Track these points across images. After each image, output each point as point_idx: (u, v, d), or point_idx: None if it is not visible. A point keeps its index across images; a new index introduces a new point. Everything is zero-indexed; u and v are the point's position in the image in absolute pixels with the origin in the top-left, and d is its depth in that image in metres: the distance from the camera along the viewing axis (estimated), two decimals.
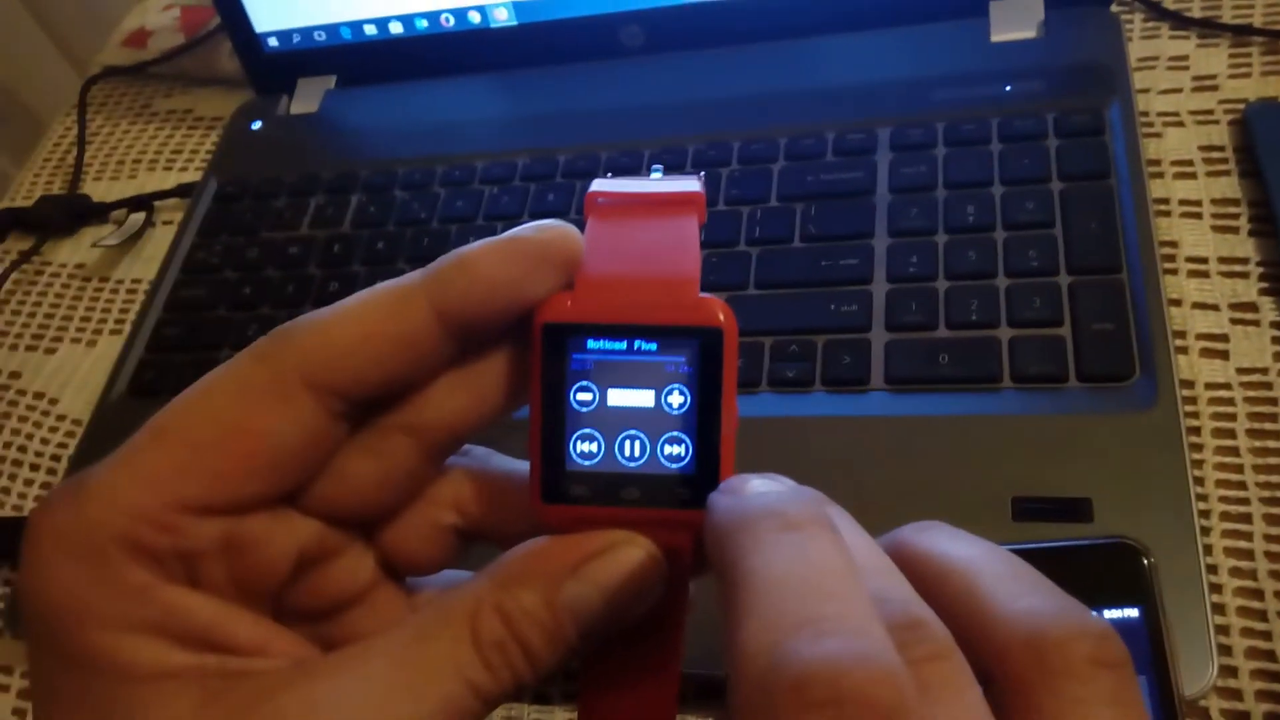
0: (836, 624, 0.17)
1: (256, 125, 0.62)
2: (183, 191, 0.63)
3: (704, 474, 0.24)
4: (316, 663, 0.24)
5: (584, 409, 0.24)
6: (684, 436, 0.24)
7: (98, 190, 0.68)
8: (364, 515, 0.26)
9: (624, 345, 0.24)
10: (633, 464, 0.24)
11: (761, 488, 0.22)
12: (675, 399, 0.24)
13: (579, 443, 0.24)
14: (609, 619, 0.24)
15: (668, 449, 0.24)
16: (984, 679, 0.18)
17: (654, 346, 0.24)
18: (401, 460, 0.25)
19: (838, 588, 0.19)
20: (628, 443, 0.24)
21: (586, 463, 0.24)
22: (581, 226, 0.26)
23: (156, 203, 0.64)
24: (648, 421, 0.24)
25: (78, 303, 0.61)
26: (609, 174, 0.28)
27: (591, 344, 0.24)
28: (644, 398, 0.24)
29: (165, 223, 0.64)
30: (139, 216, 0.64)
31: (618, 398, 0.24)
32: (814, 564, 0.19)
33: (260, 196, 0.57)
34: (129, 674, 0.22)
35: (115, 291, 0.61)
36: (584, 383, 0.24)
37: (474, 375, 0.25)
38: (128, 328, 0.58)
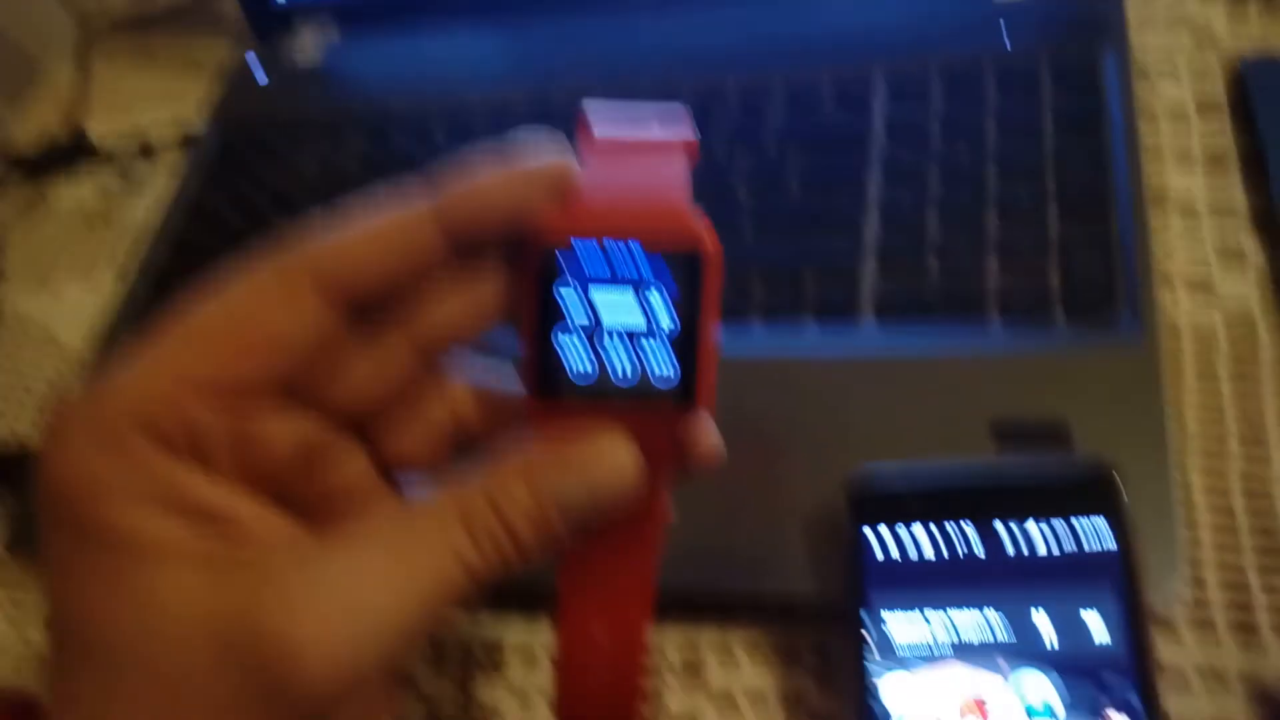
0: None
1: (259, 72, 0.63)
2: (184, 135, 0.64)
3: (685, 383, 0.26)
4: (318, 542, 0.25)
5: (575, 319, 0.25)
6: (668, 350, 0.26)
7: (99, 134, 0.68)
8: (363, 413, 0.27)
9: (614, 260, 0.26)
10: (619, 372, 0.26)
11: None
12: (661, 315, 0.26)
13: (569, 350, 0.26)
14: (591, 511, 0.26)
15: (652, 360, 0.26)
16: None
17: (643, 263, 0.25)
18: (399, 361, 0.27)
19: None
20: (615, 352, 0.26)
21: (575, 368, 0.25)
22: None
23: (157, 146, 0.65)
24: (635, 334, 0.26)
25: (80, 245, 0.62)
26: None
27: (583, 258, 0.26)
28: (632, 312, 0.26)
29: (166, 166, 0.64)
30: (140, 159, 0.64)
31: (607, 309, 0.26)
32: None
33: (261, 142, 0.58)
34: (137, 545, 0.23)
35: (117, 233, 0.62)
36: (576, 295, 0.25)
37: (471, 284, 0.27)
38: (129, 268, 0.58)
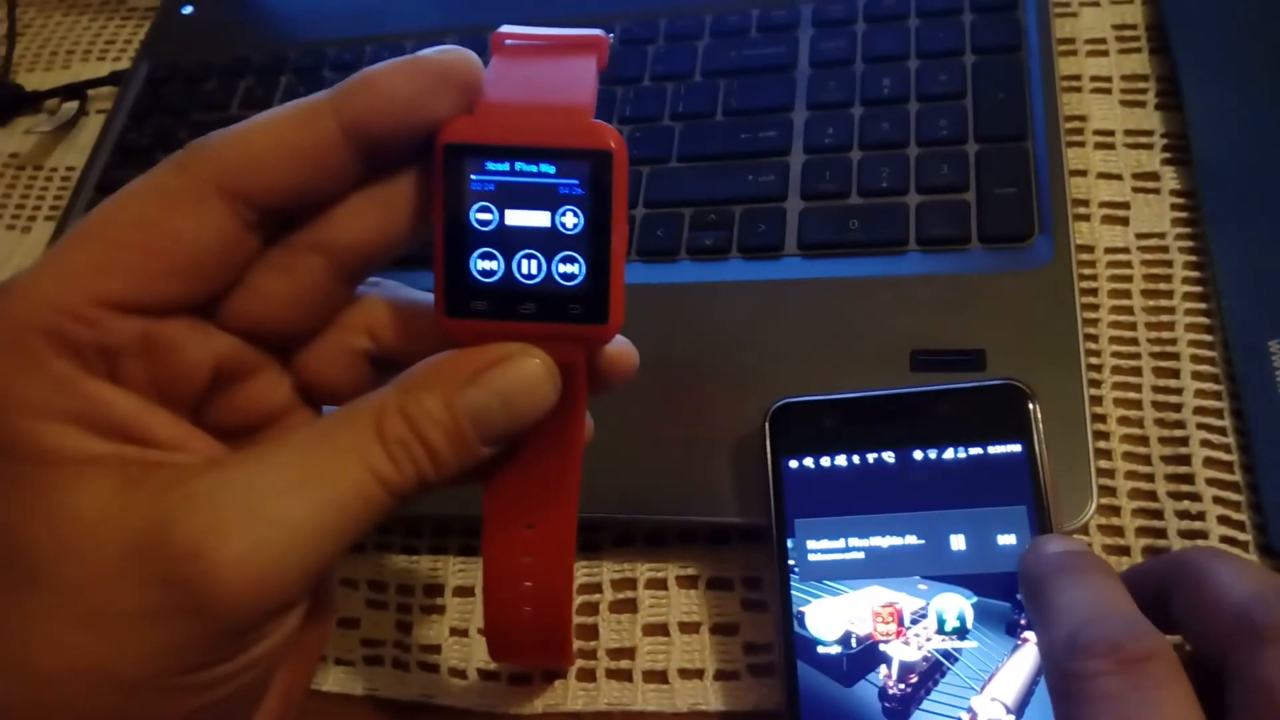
0: (1102, 625, 0.25)
1: (188, 10, 0.62)
2: (116, 79, 0.63)
3: (596, 291, 0.26)
4: (230, 455, 0.25)
5: (484, 228, 0.26)
6: (577, 255, 0.26)
7: (31, 81, 0.67)
8: (278, 333, 0.27)
9: (521, 167, 0.25)
10: (530, 281, 0.26)
11: (1055, 547, 0.29)
12: (569, 219, 0.26)
13: (479, 260, 0.26)
14: (507, 424, 0.26)
15: (562, 267, 0.26)
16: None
17: (549, 169, 0.25)
18: (313, 278, 0.26)
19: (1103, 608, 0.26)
20: (525, 261, 0.26)
21: (486, 280, 0.26)
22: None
23: (90, 91, 0.64)
24: (544, 241, 0.26)
25: (12, 190, 0.61)
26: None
27: (490, 165, 0.25)
28: (540, 218, 0.26)
29: (99, 111, 0.63)
30: (72, 105, 0.63)
31: (515, 218, 0.26)
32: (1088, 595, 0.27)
33: (191, 79, 0.57)
34: (51, 459, 0.23)
35: (50, 179, 0.61)
36: (483, 203, 0.26)
37: (382, 197, 0.26)
38: (62, 214, 0.58)
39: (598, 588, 0.38)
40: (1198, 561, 0.27)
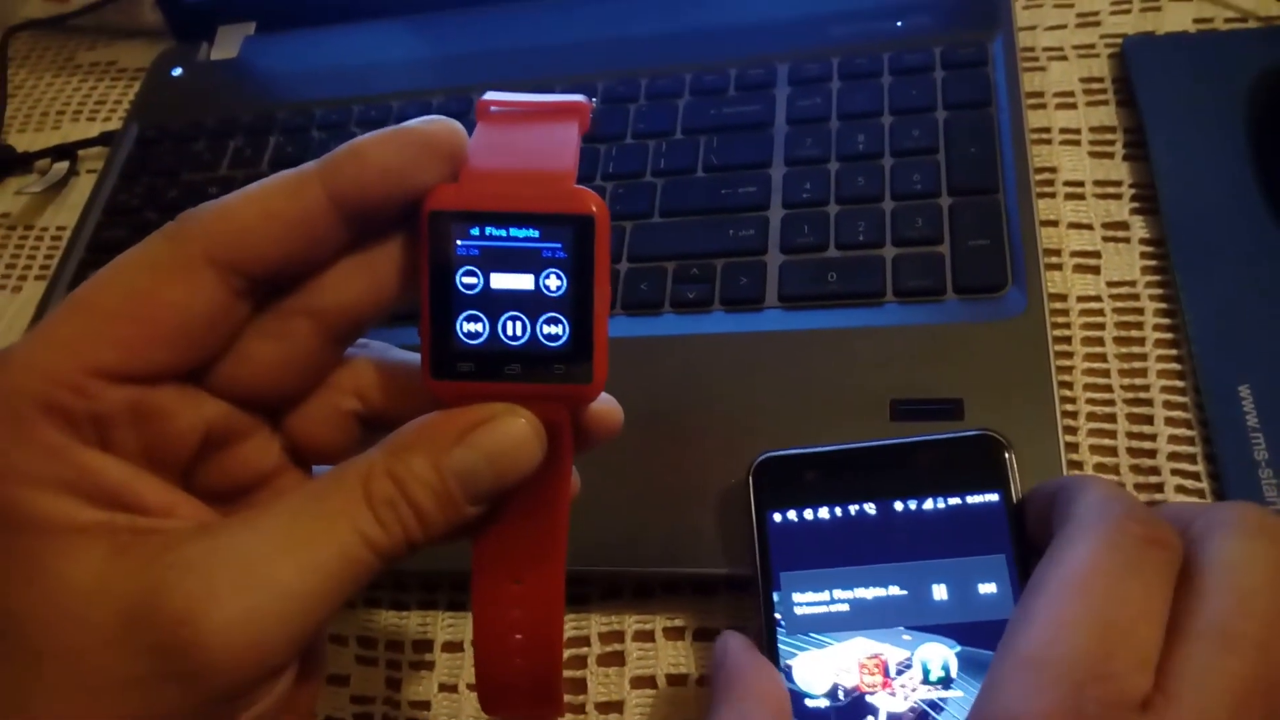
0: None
1: (177, 72, 0.63)
2: (106, 140, 0.64)
3: (579, 351, 0.26)
4: (220, 521, 0.25)
5: (469, 292, 0.26)
6: (561, 316, 0.26)
7: (22, 141, 0.68)
8: (268, 397, 0.27)
9: (505, 232, 0.26)
10: (515, 342, 0.26)
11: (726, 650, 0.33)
12: (553, 282, 0.26)
13: (465, 323, 0.26)
14: (494, 484, 0.26)
15: (546, 328, 0.26)
16: None
17: (533, 233, 0.26)
18: (302, 343, 0.27)
19: None
20: (510, 323, 0.26)
21: (472, 342, 0.26)
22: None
23: (80, 151, 0.65)
24: (528, 303, 0.26)
25: (3, 250, 0.62)
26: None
27: (475, 230, 0.26)
28: (524, 281, 0.26)
29: (89, 171, 0.64)
30: (63, 165, 0.64)
31: (500, 281, 0.26)
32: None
33: (180, 140, 0.58)
34: (43, 527, 0.23)
35: (40, 239, 0.62)
36: (469, 267, 0.26)
37: (370, 262, 0.27)
38: (53, 273, 0.58)
39: (585, 641, 0.39)
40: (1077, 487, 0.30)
